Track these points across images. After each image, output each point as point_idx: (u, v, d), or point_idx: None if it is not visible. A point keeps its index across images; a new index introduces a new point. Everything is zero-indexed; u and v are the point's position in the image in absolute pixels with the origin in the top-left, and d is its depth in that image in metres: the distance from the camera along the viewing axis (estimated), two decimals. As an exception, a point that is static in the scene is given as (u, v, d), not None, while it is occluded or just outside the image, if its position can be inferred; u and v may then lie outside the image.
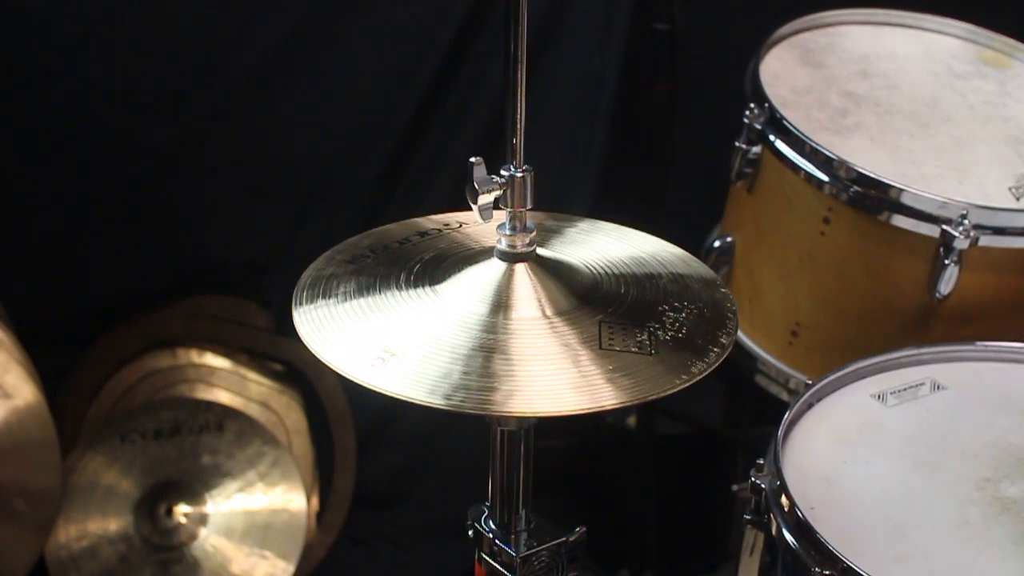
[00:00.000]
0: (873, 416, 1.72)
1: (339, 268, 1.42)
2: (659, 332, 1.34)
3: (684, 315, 1.37)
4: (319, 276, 1.41)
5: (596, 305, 1.36)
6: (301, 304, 1.37)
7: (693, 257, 1.48)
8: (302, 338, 1.33)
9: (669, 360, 1.30)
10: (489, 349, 1.29)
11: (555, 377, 1.27)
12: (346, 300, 1.37)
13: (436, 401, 1.24)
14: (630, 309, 1.37)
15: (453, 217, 1.52)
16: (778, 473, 1.56)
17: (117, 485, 2.51)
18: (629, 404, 1.26)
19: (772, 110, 2.03)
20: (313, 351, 1.31)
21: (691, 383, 1.29)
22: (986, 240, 1.88)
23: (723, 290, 1.43)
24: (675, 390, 1.28)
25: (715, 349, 1.33)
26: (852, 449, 1.66)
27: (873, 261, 1.97)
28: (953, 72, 2.22)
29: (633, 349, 1.31)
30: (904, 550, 1.50)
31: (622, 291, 1.39)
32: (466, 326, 1.32)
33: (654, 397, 1.27)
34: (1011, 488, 1.60)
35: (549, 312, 1.34)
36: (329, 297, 1.37)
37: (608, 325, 1.33)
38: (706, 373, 1.30)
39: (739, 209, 2.17)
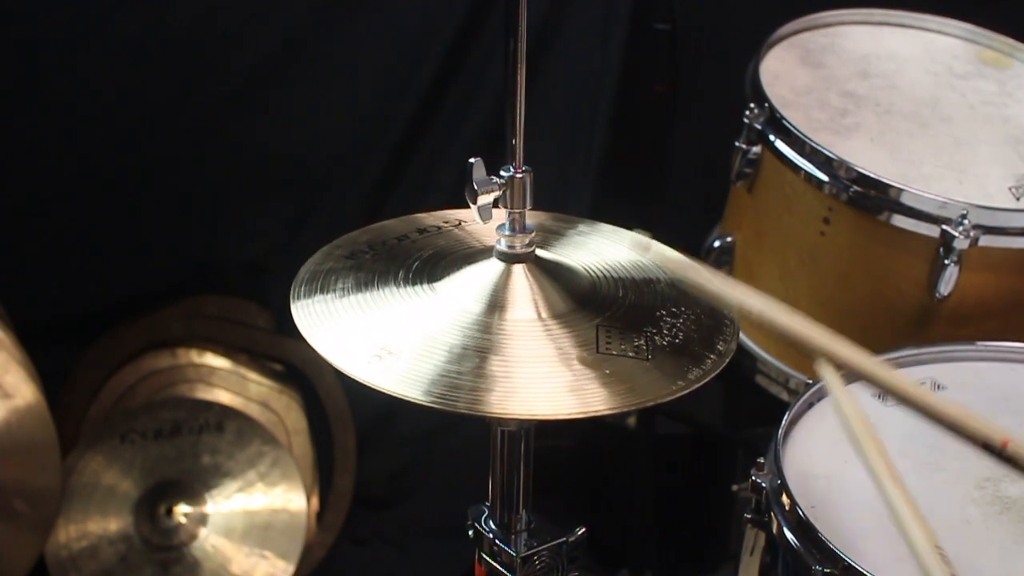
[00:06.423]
0: (873, 416, 1.71)
1: (337, 263, 1.42)
2: (656, 337, 1.33)
3: (682, 321, 1.36)
4: (317, 271, 1.41)
5: (594, 308, 1.36)
6: (299, 298, 1.37)
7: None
8: (299, 331, 1.33)
9: (665, 366, 1.30)
10: (484, 350, 1.29)
11: (549, 380, 1.27)
12: (344, 295, 1.37)
13: (428, 400, 1.24)
14: (628, 313, 1.36)
15: (453, 214, 1.52)
16: (779, 472, 1.56)
17: (117, 485, 2.51)
18: (623, 411, 1.26)
19: (772, 110, 2.02)
20: (310, 344, 1.31)
21: (688, 391, 1.28)
22: (986, 240, 1.87)
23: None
24: (671, 397, 1.27)
25: (712, 356, 1.33)
26: (852, 448, 1.65)
27: (873, 261, 1.96)
28: (953, 72, 2.22)
29: (630, 354, 1.30)
30: (905, 549, 1.50)
31: (620, 295, 1.39)
32: (462, 326, 1.31)
33: (650, 404, 1.26)
34: (1011, 488, 1.60)
35: (545, 314, 1.34)
36: (327, 292, 1.37)
37: (605, 329, 1.33)
38: (704, 381, 1.30)
39: (739, 209, 2.17)
